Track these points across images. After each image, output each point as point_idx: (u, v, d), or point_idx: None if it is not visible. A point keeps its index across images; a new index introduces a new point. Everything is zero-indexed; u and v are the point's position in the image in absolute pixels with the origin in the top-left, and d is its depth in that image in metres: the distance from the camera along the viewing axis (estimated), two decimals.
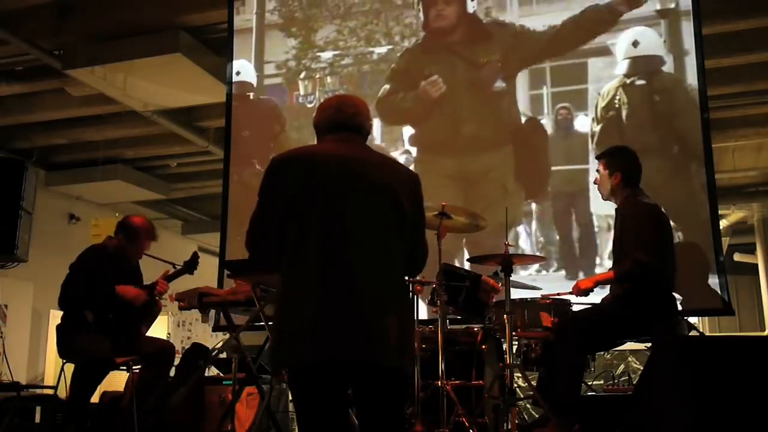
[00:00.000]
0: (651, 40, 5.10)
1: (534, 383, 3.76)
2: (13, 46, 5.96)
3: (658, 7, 5.11)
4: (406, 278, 3.71)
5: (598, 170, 3.86)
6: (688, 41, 4.98)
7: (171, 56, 5.93)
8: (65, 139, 8.10)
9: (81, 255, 4.51)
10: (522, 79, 5.37)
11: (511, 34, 5.44)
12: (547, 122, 5.28)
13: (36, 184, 5.26)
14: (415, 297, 3.89)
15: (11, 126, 7.75)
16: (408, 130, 5.60)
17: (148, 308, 4.54)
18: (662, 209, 3.70)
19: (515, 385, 3.84)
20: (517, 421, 3.58)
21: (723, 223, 8.95)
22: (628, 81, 5.08)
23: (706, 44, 4.99)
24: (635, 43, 5.10)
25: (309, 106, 5.89)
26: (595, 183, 3.91)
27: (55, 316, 8.27)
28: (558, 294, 3.91)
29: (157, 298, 4.48)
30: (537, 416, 4.37)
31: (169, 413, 4.31)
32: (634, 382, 4.46)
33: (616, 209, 3.80)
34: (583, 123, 5.17)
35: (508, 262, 3.70)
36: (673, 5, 5.07)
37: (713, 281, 4.63)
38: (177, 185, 9.54)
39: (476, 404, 3.76)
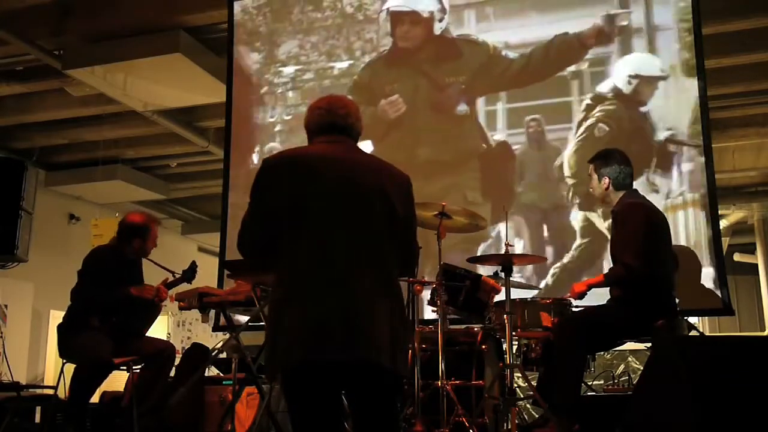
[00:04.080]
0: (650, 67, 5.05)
1: (534, 383, 3.76)
2: (13, 46, 5.96)
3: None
4: (408, 279, 3.76)
5: (590, 174, 3.86)
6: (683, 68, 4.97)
7: (171, 56, 5.93)
8: (65, 139, 8.10)
9: (87, 259, 4.51)
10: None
11: (483, 54, 5.41)
12: (500, 138, 5.28)
13: (36, 184, 5.25)
14: (415, 297, 3.90)
15: (11, 126, 7.75)
16: (367, 146, 5.50)
17: (150, 309, 4.55)
18: (657, 208, 3.70)
19: (515, 385, 3.84)
20: (517, 421, 3.58)
21: (723, 223, 8.95)
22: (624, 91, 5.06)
23: (706, 44, 4.99)
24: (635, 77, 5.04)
25: (270, 120, 5.92)
26: (589, 188, 3.91)
27: (55, 316, 8.30)
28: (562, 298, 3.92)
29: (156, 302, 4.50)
30: (537, 416, 4.37)
31: (169, 413, 4.31)
32: (634, 382, 4.46)
33: (611, 212, 3.80)
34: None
35: (508, 262, 3.70)
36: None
37: (713, 281, 4.62)
38: (177, 185, 9.54)
39: (476, 404, 3.76)
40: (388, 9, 5.73)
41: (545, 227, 5.01)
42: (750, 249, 10.19)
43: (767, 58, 5.94)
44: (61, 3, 5.96)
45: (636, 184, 3.83)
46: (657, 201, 3.81)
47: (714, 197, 4.74)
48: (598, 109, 5.05)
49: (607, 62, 5.13)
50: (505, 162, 5.22)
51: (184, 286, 4.36)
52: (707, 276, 4.64)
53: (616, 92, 5.04)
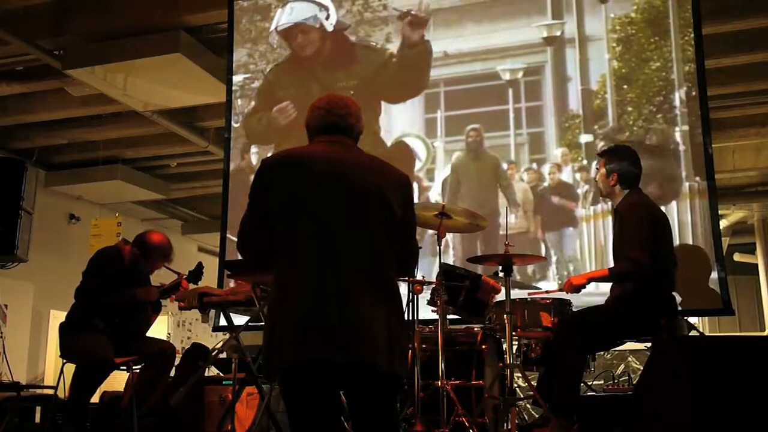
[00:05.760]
0: None
1: (534, 383, 3.77)
2: (13, 46, 5.96)
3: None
4: (408, 279, 3.76)
5: (597, 167, 3.87)
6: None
7: (171, 56, 5.92)
8: (65, 139, 8.09)
9: (92, 260, 4.50)
10: (419, 102, 5.46)
11: (378, 60, 5.49)
12: (440, 145, 5.36)
13: (36, 184, 5.26)
14: (415, 297, 3.90)
15: (11, 126, 7.75)
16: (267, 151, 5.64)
17: (153, 310, 4.57)
18: (659, 208, 3.70)
19: (515, 385, 3.84)
20: (517, 421, 3.58)
21: (723, 223, 8.95)
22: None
23: (706, 44, 4.99)
24: None
25: None
26: (595, 179, 3.93)
27: (55, 316, 8.30)
28: (552, 291, 3.92)
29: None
30: (537, 416, 4.37)
31: (169, 413, 4.31)
32: (634, 382, 4.46)
33: (614, 209, 3.81)
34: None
35: (508, 262, 3.70)
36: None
37: (713, 281, 4.63)
38: (177, 185, 9.53)
39: (476, 404, 3.76)
40: (276, 29, 5.87)
41: (479, 236, 5.02)
42: (750, 249, 10.18)
43: (767, 58, 5.94)
44: (61, 3, 5.96)
45: None
46: (657, 199, 3.78)
47: (714, 197, 4.74)
48: None
49: (541, 72, 5.26)
50: (404, 164, 5.25)
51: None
52: (708, 276, 4.65)
53: None
